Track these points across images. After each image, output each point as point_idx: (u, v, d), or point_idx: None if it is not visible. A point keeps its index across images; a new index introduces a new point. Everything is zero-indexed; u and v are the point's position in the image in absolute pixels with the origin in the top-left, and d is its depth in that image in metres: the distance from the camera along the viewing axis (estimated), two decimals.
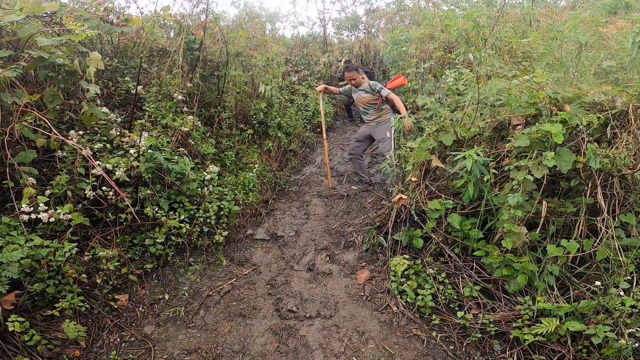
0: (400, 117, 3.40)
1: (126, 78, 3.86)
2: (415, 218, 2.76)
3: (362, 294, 2.61)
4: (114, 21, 4.06)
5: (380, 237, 3.07)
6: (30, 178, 2.20)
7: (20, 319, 1.88)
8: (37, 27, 2.75)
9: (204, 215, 3.08)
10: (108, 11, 4.26)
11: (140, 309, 2.42)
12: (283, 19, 10.25)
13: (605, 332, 1.87)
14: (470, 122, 2.69)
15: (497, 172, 2.32)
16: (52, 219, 2.15)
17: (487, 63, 2.99)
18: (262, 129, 5.17)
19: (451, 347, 2.21)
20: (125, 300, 2.45)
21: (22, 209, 2.07)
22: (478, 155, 2.34)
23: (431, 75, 5.29)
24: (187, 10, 6.09)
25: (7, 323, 1.89)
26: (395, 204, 2.94)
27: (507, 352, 2.12)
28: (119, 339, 2.18)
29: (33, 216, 2.13)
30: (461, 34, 4.00)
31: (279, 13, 10.27)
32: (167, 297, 2.57)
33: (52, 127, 2.39)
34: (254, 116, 5.02)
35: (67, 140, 2.39)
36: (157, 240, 2.75)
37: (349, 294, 2.60)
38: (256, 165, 4.39)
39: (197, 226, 3.02)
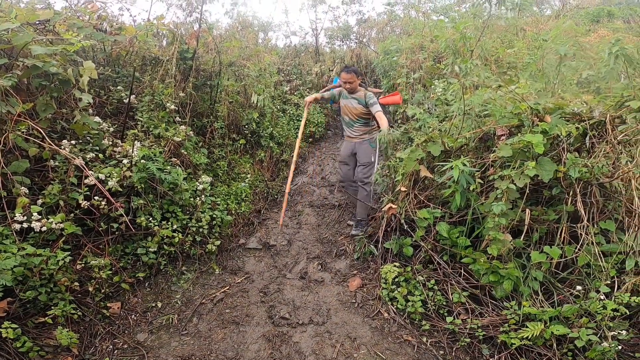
0: (383, 132, 3.20)
1: (119, 87, 3.92)
2: (405, 227, 2.85)
3: (354, 301, 2.67)
4: (107, 29, 4.14)
5: (371, 246, 3.16)
6: (23, 187, 2.24)
7: (14, 325, 1.90)
8: (32, 35, 2.80)
9: (196, 225, 3.13)
10: (101, 19, 4.34)
11: (133, 316, 2.45)
12: (276, 28, 10.42)
13: (588, 335, 1.96)
14: (457, 132, 2.82)
15: (482, 182, 2.43)
16: (44, 228, 2.19)
17: (474, 73, 3.13)
18: (254, 138, 5.25)
19: (441, 352, 2.28)
20: (118, 308, 2.47)
21: (15, 218, 2.11)
22: (464, 165, 2.46)
23: (421, 85, 5.46)
24: (180, 18, 6.21)
25: (0, 330, 1.91)
26: (385, 213, 3.03)
27: (495, 356, 2.20)
28: (111, 346, 2.20)
29: (25, 225, 2.17)
30: (449, 45, 4.17)
31: (272, 22, 10.42)
32: (159, 305, 2.61)
33: (45, 137, 2.44)
34: (246, 126, 5.10)
35: (60, 150, 2.44)
36: (150, 249, 2.78)
37: (340, 301, 2.67)
38: (248, 175, 4.46)
39: (189, 235, 3.06)
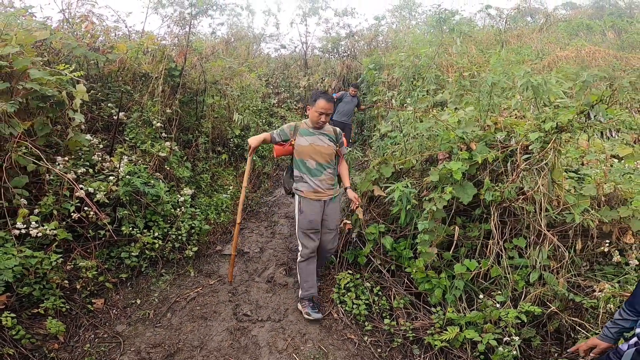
0: (346, 189, 3.03)
1: (109, 104, 4.35)
2: (355, 240, 3.30)
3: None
4: (99, 48, 4.56)
5: (332, 256, 3.59)
6: (22, 199, 2.68)
7: (12, 314, 2.32)
8: (31, 59, 3.21)
9: (176, 233, 3.55)
10: (95, 38, 4.78)
11: (114, 311, 2.87)
12: (268, 39, 10.95)
13: (490, 340, 2.37)
14: (404, 156, 3.27)
15: (416, 202, 2.88)
16: (40, 234, 2.63)
17: (421, 101, 3.60)
18: (238, 152, 5.70)
19: (379, 350, 2.70)
20: (101, 303, 2.89)
21: (17, 225, 2.55)
22: (406, 187, 2.91)
23: (397, 102, 5.92)
24: (174, 32, 6.68)
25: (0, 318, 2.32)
26: (342, 227, 3.47)
27: (422, 356, 2.62)
28: (93, 335, 2.62)
29: (23, 231, 2.61)
30: (404, 73, 4.64)
31: (264, 34, 10.95)
32: (139, 302, 3.03)
33: (42, 156, 2.88)
34: (230, 140, 5.55)
35: (53, 169, 2.88)
36: (132, 253, 3.22)
37: (298, 299, 3.10)
38: (231, 187, 4.90)
39: (169, 242, 3.49)
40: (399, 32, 10.45)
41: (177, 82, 4.86)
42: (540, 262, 2.55)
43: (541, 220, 2.55)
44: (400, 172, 3.38)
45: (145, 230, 3.37)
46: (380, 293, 3.03)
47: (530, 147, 2.61)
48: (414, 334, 2.71)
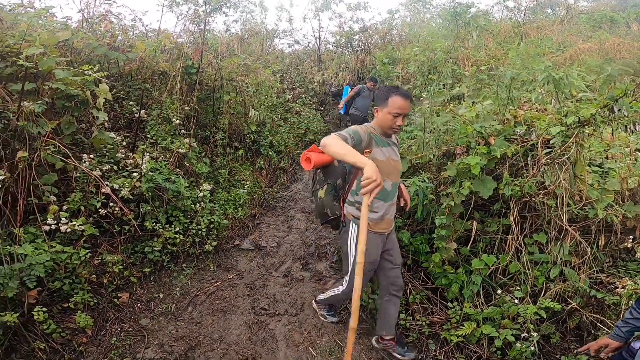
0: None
1: (130, 102, 4.44)
2: None
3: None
4: (119, 47, 4.64)
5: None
6: (52, 196, 2.77)
7: (44, 309, 2.42)
8: (55, 59, 3.28)
9: (196, 228, 3.62)
10: (114, 37, 4.86)
11: (139, 305, 2.96)
12: (282, 34, 10.91)
13: (508, 335, 2.34)
14: (421, 150, 3.23)
15: (433, 197, 2.84)
16: (68, 230, 2.71)
17: (438, 95, 3.54)
18: (255, 147, 5.74)
19: None
20: (127, 297, 2.98)
21: (47, 222, 2.63)
22: (423, 181, 2.88)
23: (413, 95, 5.84)
24: (190, 30, 6.72)
25: (32, 313, 2.42)
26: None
27: (438, 351, 2.61)
28: (119, 329, 2.71)
29: (53, 227, 2.69)
30: (419, 67, 4.56)
31: (277, 30, 10.92)
32: (161, 296, 3.10)
33: (69, 154, 2.96)
34: (247, 135, 5.59)
35: (80, 166, 2.96)
36: (155, 248, 3.29)
37: (314, 297, 3.12)
38: (247, 182, 4.94)
39: (189, 237, 3.56)
40: (413, 26, 10.26)
41: (194, 79, 4.91)
42: (561, 258, 2.49)
43: (563, 215, 2.49)
44: (417, 166, 3.34)
45: (167, 225, 3.44)
46: None
47: (551, 141, 2.53)
48: (430, 329, 2.70)
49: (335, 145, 1.80)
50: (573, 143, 2.47)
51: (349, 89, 7.17)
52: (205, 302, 3.06)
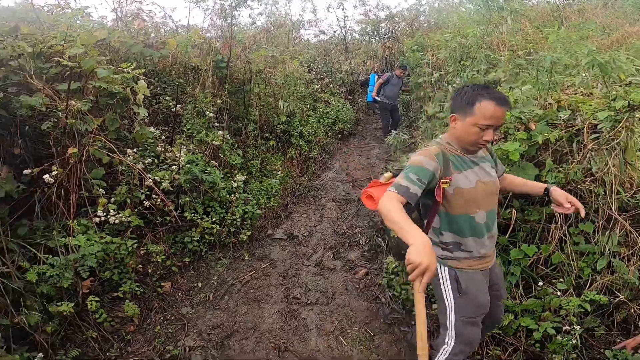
0: (548, 190, 1.87)
1: (166, 98, 4.57)
2: None
3: (357, 286, 3.13)
4: (153, 45, 4.77)
5: (380, 239, 3.57)
6: (101, 190, 2.93)
7: (97, 298, 2.56)
8: (96, 58, 3.40)
9: (231, 218, 3.72)
10: (147, 35, 5.00)
11: (179, 294, 3.09)
12: (307, 25, 10.80)
13: (548, 328, 2.23)
14: None
15: None
16: (116, 221, 2.86)
17: (472, 80, 3.36)
18: (285, 137, 5.78)
19: None
20: (169, 286, 3.12)
21: (97, 214, 2.79)
22: None
23: (445, 82, 5.62)
24: (217, 24, 6.80)
25: (86, 303, 2.55)
26: None
27: None
28: (162, 318, 2.83)
29: (102, 219, 2.85)
30: (451, 54, 4.35)
31: (302, 20, 10.81)
32: (200, 285, 3.22)
33: (114, 149, 3.10)
34: (277, 126, 5.63)
35: (124, 160, 3.10)
36: (194, 238, 3.42)
37: (346, 286, 3.13)
38: (279, 172, 5.01)
39: (225, 227, 3.66)
40: (441, 12, 9.82)
41: (224, 73, 4.98)
42: (609, 249, 2.34)
43: (612, 203, 2.32)
44: None
45: (204, 216, 3.56)
46: None
47: (599, 126, 2.36)
48: None
49: (387, 214, 1.39)
50: (623, 128, 2.29)
51: (376, 77, 7.08)
52: (240, 291, 3.15)
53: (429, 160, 1.56)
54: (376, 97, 6.94)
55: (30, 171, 2.68)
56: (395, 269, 3.03)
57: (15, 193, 2.63)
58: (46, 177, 2.66)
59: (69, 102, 3.01)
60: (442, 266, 1.77)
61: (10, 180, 2.64)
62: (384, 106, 6.86)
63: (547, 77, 2.79)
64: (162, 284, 3.11)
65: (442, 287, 1.79)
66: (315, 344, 2.59)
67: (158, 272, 3.12)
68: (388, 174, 1.84)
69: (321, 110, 7.23)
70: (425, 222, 1.78)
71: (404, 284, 2.93)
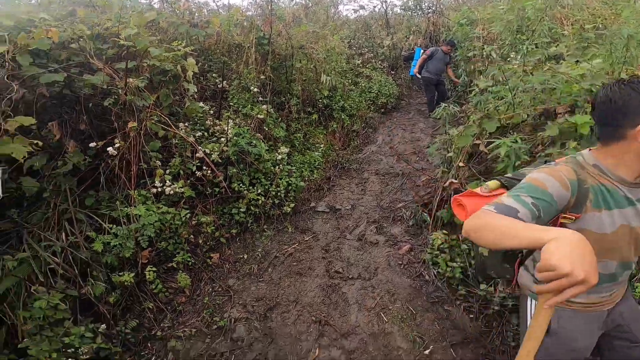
0: None
1: (213, 75, 4.59)
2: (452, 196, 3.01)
3: (401, 262, 3.02)
4: (198, 24, 4.75)
5: (425, 214, 3.39)
6: (157, 162, 3.01)
7: (154, 268, 2.66)
8: (148, 38, 3.43)
9: (275, 190, 3.72)
10: (192, 15, 4.98)
11: (227, 265, 3.16)
12: (346, 0, 10.21)
13: None
14: (512, 110, 2.79)
15: (527, 158, 2.46)
16: (171, 192, 2.95)
17: (531, 54, 2.97)
18: (327, 111, 5.64)
19: (470, 316, 2.52)
20: (217, 258, 3.20)
21: (155, 184, 2.88)
22: (515, 142, 2.50)
23: (498, 56, 5.10)
24: (257, 2, 6.61)
25: (144, 273, 2.63)
26: (448, 187, 3.17)
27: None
28: (210, 289, 2.92)
29: (159, 190, 2.94)
30: (507, 27, 3.87)
31: None
32: (245, 256, 3.28)
33: (169, 122, 3.16)
34: (319, 100, 5.49)
35: (178, 132, 3.16)
36: (241, 209, 3.47)
37: (388, 262, 3.04)
38: (321, 146, 4.93)
39: (270, 199, 3.68)
40: None
41: (266, 49, 4.93)
42: None
43: None
44: (507, 127, 2.93)
45: (250, 187, 3.59)
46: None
47: None
48: (514, 302, 2.44)
49: (485, 224, 0.97)
50: None
51: (421, 51, 6.71)
52: (283, 264, 3.17)
53: (558, 184, 1.07)
54: (417, 74, 6.67)
55: (95, 144, 2.80)
56: (441, 246, 2.87)
57: (82, 165, 2.79)
58: (110, 149, 2.77)
59: (127, 80, 3.07)
60: (531, 300, 1.40)
61: (78, 153, 2.79)
62: (427, 81, 6.54)
63: (623, 51, 2.38)
64: (211, 255, 3.19)
65: (529, 320, 1.40)
66: (355, 319, 2.56)
67: (208, 243, 3.20)
68: (493, 183, 1.34)
69: (363, 85, 6.95)
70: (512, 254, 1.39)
71: (450, 261, 2.77)
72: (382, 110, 7.07)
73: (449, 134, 3.34)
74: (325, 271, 3.04)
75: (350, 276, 2.95)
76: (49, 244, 2.46)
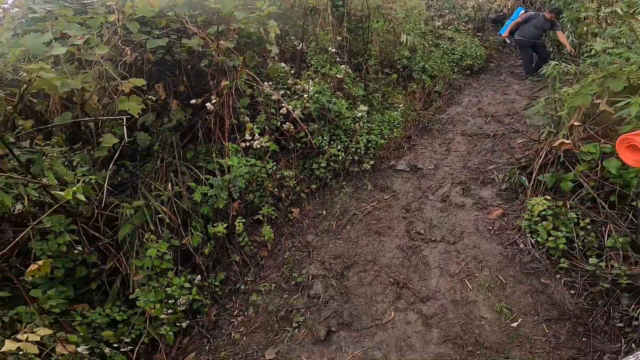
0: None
1: (291, 37, 4.49)
2: (562, 160, 2.53)
3: (491, 228, 2.71)
4: None
5: (523, 177, 2.96)
6: (246, 117, 3.08)
7: (243, 220, 2.71)
8: (233, 3, 3.42)
9: (355, 146, 3.61)
10: None
11: (306, 221, 3.15)
12: None
13: None
14: None
15: None
16: (258, 146, 3.01)
17: None
18: (406, 72, 5.24)
19: (571, 292, 2.18)
20: (298, 213, 3.22)
21: (245, 138, 2.96)
22: None
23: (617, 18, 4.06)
24: None
25: (235, 224, 2.69)
26: (557, 148, 2.69)
27: (632, 307, 1.95)
28: (290, 244, 2.94)
29: (248, 144, 3.02)
30: None
31: None
32: (324, 213, 3.25)
33: (256, 80, 3.17)
34: (398, 61, 5.12)
35: (265, 89, 3.17)
36: (321, 165, 3.44)
37: (476, 227, 2.74)
38: (401, 105, 4.60)
39: (349, 155, 3.58)
40: None
41: (341, 11, 4.73)
42: None
43: None
44: (637, 87, 2.32)
45: (330, 143, 3.53)
46: (589, 227, 2.33)
47: None
48: (629, 281, 2.03)
49: None
50: None
51: (521, 11, 6.00)
52: (362, 222, 3.07)
53: None
54: (506, 38, 6.21)
55: (195, 101, 2.95)
56: (542, 212, 2.47)
57: (184, 121, 2.98)
58: (208, 105, 2.92)
59: (219, 42, 3.13)
60: None
61: (180, 111, 2.99)
62: (521, 43, 5.94)
63: None
64: (292, 210, 3.22)
65: None
66: (436, 284, 2.38)
67: (290, 197, 3.24)
68: None
69: (444, 46, 6.29)
70: None
71: (553, 229, 2.38)
72: (468, 72, 6.34)
73: (558, 93, 2.79)
74: (405, 232, 2.88)
75: (432, 238, 2.75)
76: (159, 194, 2.67)
